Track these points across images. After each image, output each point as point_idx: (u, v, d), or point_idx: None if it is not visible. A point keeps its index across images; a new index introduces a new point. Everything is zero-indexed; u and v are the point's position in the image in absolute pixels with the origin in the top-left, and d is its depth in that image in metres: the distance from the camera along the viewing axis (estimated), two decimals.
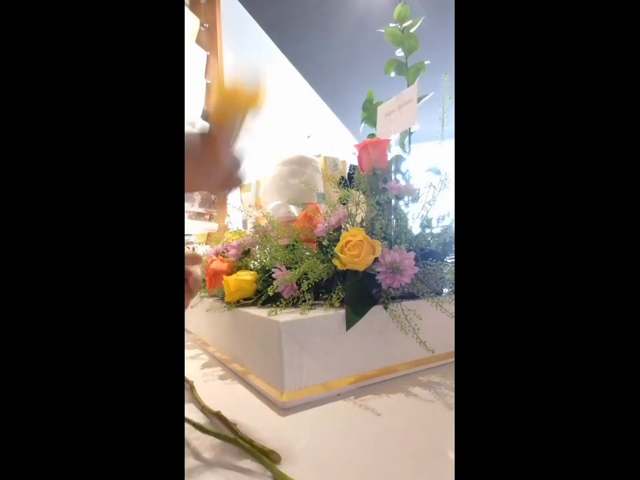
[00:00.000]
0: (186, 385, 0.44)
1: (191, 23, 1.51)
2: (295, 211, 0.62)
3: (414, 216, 0.47)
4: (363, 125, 0.70)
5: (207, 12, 1.61)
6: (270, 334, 0.38)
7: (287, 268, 0.46)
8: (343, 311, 0.39)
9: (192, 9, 1.55)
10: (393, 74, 0.68)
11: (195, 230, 1.50)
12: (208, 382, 0.47)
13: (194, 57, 1.53)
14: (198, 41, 1.57)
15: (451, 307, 0.41)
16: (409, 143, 0.66)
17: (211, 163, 0.35)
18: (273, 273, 0.46)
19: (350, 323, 0.39)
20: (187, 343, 0.69)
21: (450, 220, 0.46)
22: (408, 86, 0.63)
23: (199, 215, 1.55)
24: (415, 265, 0.40)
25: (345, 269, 0.41)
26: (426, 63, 0.65)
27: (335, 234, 0.47)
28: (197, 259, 0.37)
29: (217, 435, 0.31)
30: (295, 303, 0.44)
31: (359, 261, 0.40)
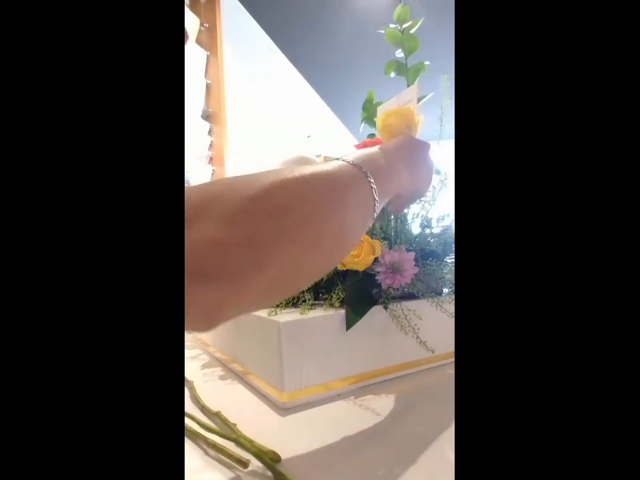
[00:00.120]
0: (186, 385, 0.44)
1: (191, 23, 1.51)
2: None
3: (414, 216, 0.47)
4: (362, 124, 0.70)
5: (207, 12, 1.61)
6: (270, 334, 0.38)
7: None
8: (343, 311, 0.39)
9: (192, 8, 1.55)
10: (392, 74, 0.68)
11: None
12: (208, 382, 0.47)
13: (194, 57, 1.53)
14: (198, 41, 1.57)
15: (450, 307, 0.42)
16: None
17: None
18: None
19: (350, 323, 0.39)
20: (186, 343, 0.69)
21: (450, 220, 0.46)
22: (408, 86, 0.63)
23: None
24: (414, 265, 0.40)
25: (344, 268, 0.41)
26: (426, 63, 0.65)
27: None
28: None
29: (217, 435, 0.31)
30: (295, 303, 0.44)
31: (358, 261, 0.40)
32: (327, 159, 0.31)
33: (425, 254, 0.44)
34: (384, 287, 0.41)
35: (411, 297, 0.44)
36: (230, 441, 0.30)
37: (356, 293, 0.41)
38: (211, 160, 1.57)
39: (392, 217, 0.46)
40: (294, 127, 2.24)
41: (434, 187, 0.46)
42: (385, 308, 0.41)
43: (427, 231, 0.46)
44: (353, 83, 2.85)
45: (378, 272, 0.40)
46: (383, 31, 0.66)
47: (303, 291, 0.43)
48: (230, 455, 0.28)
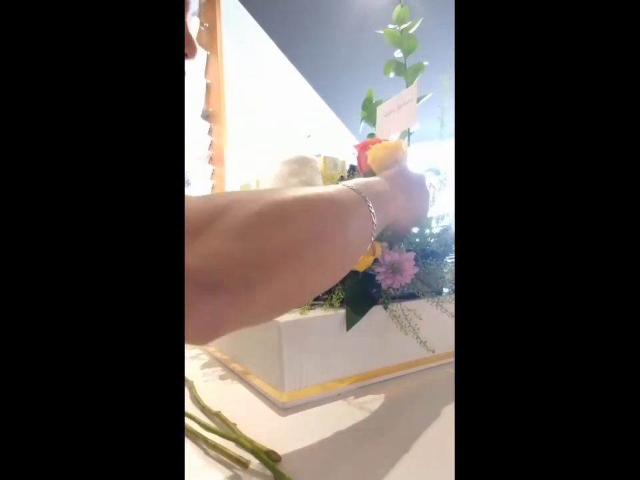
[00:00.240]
0: (186, 385, 0.44)
1: (191, 23, 1.51)
2: None
3: None
4: (362, 124, 0.70)
5: (207, 11, 1.61)
6: (270, 334, 0.38)
7: None
8: (343, 311, 0.39)
9: None
10: (391, 74, 0.68)
11: None
12: (208, 382, 0.47)
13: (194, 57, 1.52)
14: (198, 41, 1.57)
15: (450, 307, 0.42)
16: (409, 143, 0.66)
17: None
18: None
19: (350, 323, 0.39)
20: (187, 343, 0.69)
21: (450, 220, 0.46)
22: (406, 86, 0.63)
23: None
24: (414, 265, 0.40)
25: None
26: (425, 63, 0.65)
27: None
28: None
29: (217, 435, 0.31)
30: None
31: (359, 261, 0.40)
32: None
33: (425, 254, 0.44)
34: (384, 286, 0.41)
35: (411, 296, 0.44)
36: (230, 440, 0.30)
37: (356, 293, 0.41)
38: (211, 160, 1.57)
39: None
40: (294, 127, 2.24)
41: (434, 187, 0.46)
42: (385, 308, 0.41)
43: (427, 231, 0.46)
44: (352, 82, 2.85)
45: (378, 272, 0.40)
46: (382, 31, 0.66)
47: None
48: (230, 455, 0.28)
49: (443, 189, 0.45)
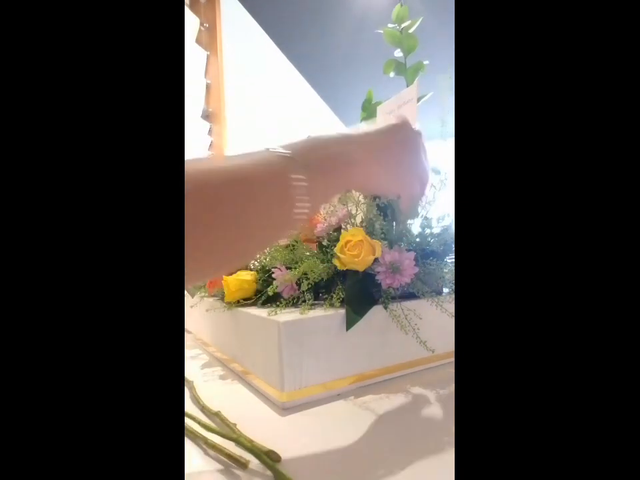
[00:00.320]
0: (186, 385, 0.44)
1: (191, 23, 1.51)
2: None
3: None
4: (362, 124, 0.70)
5: (207, 11, 1.61)
6: (270, 334, 0.38)
7: (287, 268, 0.46)
8: (343, 311, 0.39)
9: (192, 8, 1.55)
10: (391, 74, 0.68)
11: None
12: (208, 382, 0.47)
13: (194, 57, 1.53)
14: (198, 41, 1.57)
15: (450, 307, 0.42)
16: None
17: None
18: (273, 272, 0.46)
19: (350, 323, 0.39)
20: (186, 343, 0.69)
21: (450, 220, 0.46)
22: (407, 86, 0.63)
23: None
24: (414, 265, 0.40)
25: (344, 268, 0.41)
26: (425, 63, 0.65)
27: (335, 234, 0.47)
28: None
29: (217, 435, 0.31)
30: (294, 303, 0.44)
31: (358, 261, 0.40)
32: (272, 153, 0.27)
33: (425, 254, 0.44)
34: (384, 286, 0.41)
35: (411, 296, 0.44)
36: (230, 440, 0.30)
37: (356, 292, 0.41)
38: None
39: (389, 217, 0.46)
40: (294, 127, 2.24)
41: (434, 187, 0.46)
42: (385, 308, 0.41)
43: (427, 231, 0.46)
44: (352, 82, 2.85)
45: (378, 272, 0.40)
46: (381, 31, 0.66)
47: (303, 291, 0.43)
48: (230, 455, 0.28)
49: (444, 189, 0.45)
